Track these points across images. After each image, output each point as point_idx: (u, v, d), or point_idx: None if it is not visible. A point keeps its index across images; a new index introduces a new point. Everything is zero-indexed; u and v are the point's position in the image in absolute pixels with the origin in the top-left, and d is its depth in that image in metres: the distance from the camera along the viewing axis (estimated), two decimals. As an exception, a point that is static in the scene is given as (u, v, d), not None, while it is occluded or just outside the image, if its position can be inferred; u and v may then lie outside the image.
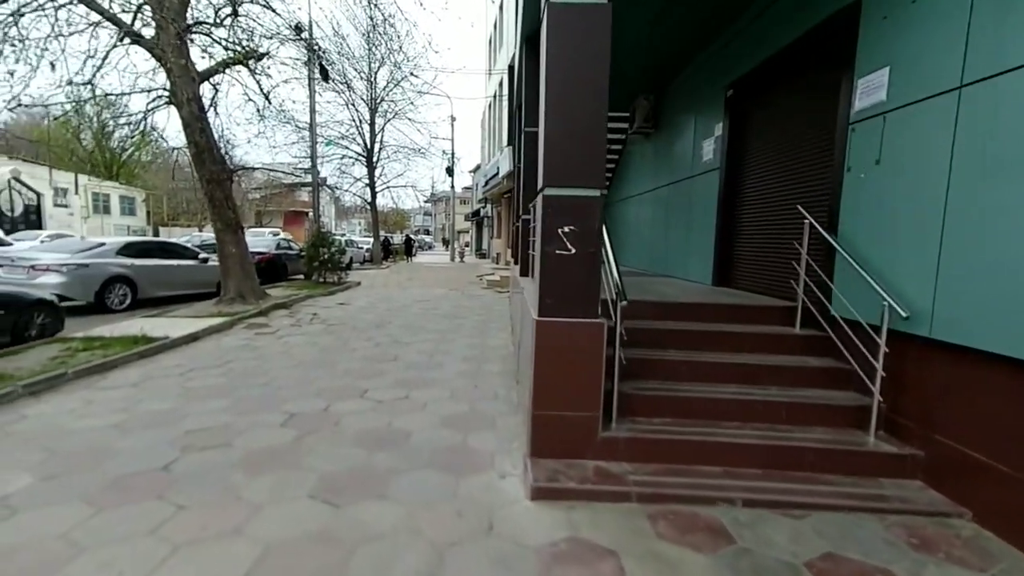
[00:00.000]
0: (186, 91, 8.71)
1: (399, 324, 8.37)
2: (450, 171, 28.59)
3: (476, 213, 37.11)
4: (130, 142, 51.70)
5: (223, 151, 9.39)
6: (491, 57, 25.11)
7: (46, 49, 7.67)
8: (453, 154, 28.49)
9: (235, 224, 9.41)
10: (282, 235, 19.52)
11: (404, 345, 6.90)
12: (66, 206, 31.31)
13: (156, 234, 38.93)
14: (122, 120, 8.69)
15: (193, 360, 5.78)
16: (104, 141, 49.71)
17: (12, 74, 7.64)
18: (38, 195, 29.26)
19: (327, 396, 4.53)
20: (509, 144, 14.73)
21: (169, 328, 6.94)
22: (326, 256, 13.51)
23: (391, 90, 22.39)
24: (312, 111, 14.72)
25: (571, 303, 3.01)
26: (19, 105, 8.05)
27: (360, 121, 22.94)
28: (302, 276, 14.49)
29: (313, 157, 14.95)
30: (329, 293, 12.14)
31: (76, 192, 31.65)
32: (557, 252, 2.99)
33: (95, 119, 48.28)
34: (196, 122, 8.88)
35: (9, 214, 27.18)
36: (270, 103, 10.18)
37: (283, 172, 10.72)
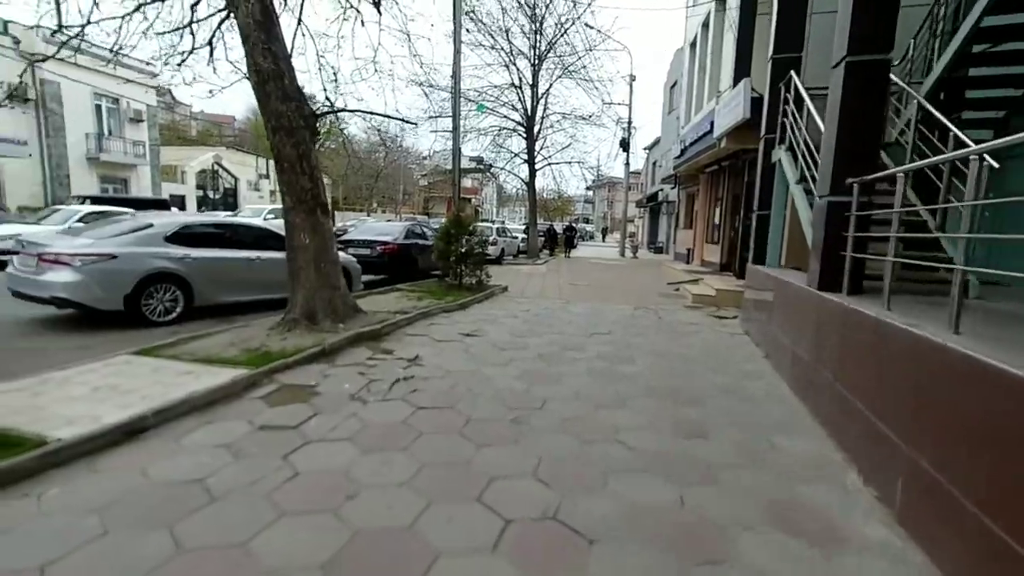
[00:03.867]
0: (244, -22, 5.45)
1: (560, 415, 3.94)
2: (625, 144, 23.39)
3: (652, 198, 31.20)
4: (323, 132, 58.07)
5: (297, 84, 5.99)
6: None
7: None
8: (630, 122, 23.23)
9: (313, 200, 6.00)
10: (420, 219, 16.80)
11: (589, 521, 2.37)
12: (258, 190, 34.34)
13: (332, 219, 41.67)
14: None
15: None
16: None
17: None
18: (235, 180, 32.30)
19: None
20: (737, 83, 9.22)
21: (97, 400, 3.56)
22: (463, 250, 9.83)
23: (558, 38, 18.11)
24: (457, 55, 11.14)
25: None
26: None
27: (521, 80, 19.21)
28: (439, 273, 11.03)
29: (455, 117, 11.43)
30: (460, 306, 8.36)
31: (267, 177, 34.45)
32: None
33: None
34: (258, 33, 5.59)
35: (212, 196, 30.26)
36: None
37: (397, 118, 7.16)
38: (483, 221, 26.85)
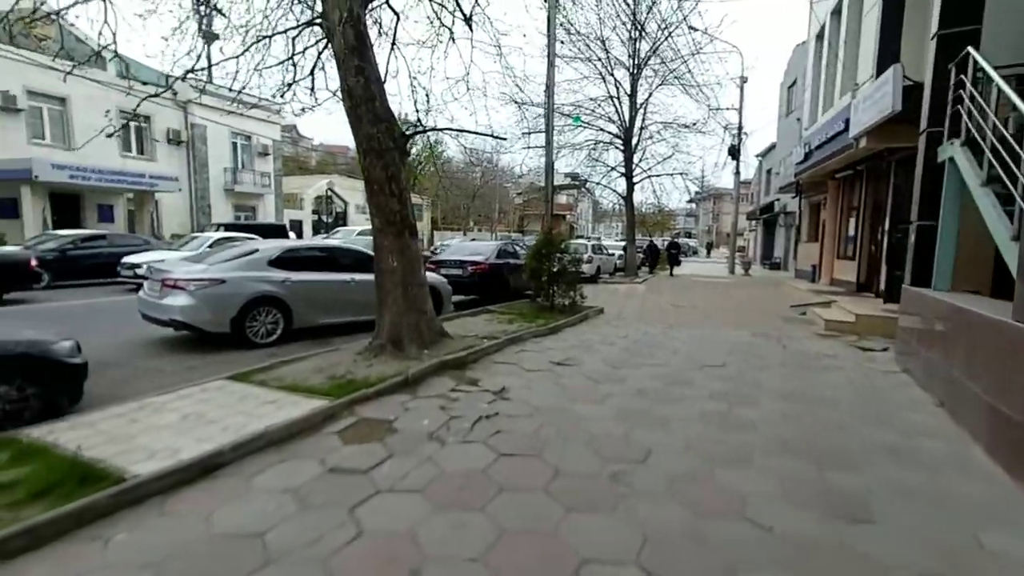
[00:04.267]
0: (340, 7, 5.60)
1: (668, 473, 3.27)
2: (735, 152, 21.60)
3: (767, 209, 28.55)
4: (423, 156, 61.68)
5: (388, 105, 6.01)
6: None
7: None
8: (740, 128, 21.44)
9: (401, 222, 5.94)
10: (515, 236, 16.67)
11: None
12: (364, 212, 36.95)
13: (431, 239, 43.66)
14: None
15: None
16: (405, 157, 60.03)
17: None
18: (345, 204, 35.07)
19: None
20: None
21: (182, 430, 3.57)
22: (556, 269, 9.40)
23: (661, 43, 17.23)
24: (551, 68, 10.89)
25: None
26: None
27: (619, 91, 18.56)
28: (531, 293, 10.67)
29: (548, 131, 11.13)
30: (551, 330, 7.90)
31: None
32: None
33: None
34: (351, 57, 5.70)
35: (325, 219, 33.09)
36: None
37: (486, 134, 6.94)
38: (578, 238, 26.45)
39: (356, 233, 18.73)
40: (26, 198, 17.90)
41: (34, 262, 10.21)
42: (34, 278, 10.42)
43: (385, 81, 7.32)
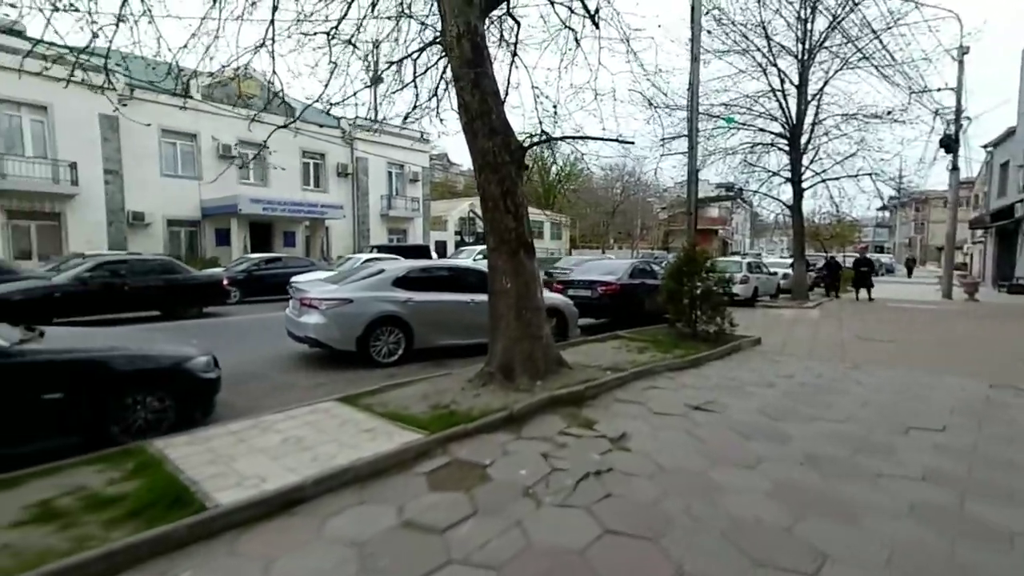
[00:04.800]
0: (456, 23, 5.56)
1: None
2: (950, 142, 17.50)
3: (1004, 213, 22.75)
4: (563, 174, 62.53)
5: (505, 118, 5.76)
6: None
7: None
8: (959, 112, 17.34)
9: (516, 241, 5.60)
10: (659, 254, 15.49)
11: None
12: (504, 233, 38.34)
13: (569, 253, 43.66)
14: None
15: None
16: (544, 175, 61.41)
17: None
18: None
19: None
20: None
21: (277, 455, 3.54)
22: (699, 291, 8.27)
23: (843, 17, 14.74)
24: (695, 63, 9.85)
25: None
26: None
27: (783, 83, 16.35)
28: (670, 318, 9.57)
29: (691, 135, 10.02)
30: (691, 363, 6.86)
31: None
32: None
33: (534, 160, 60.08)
34: (467, 70, 5.61)
35: (467, 240, 35.02)
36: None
37: (611, 139, 6.36)
38: (732, 254, 23.81)
39: (477, 253, 19.21)
40: (234, 228, 21.86)
41: (225, 282, 12.16)
42: (225, 295, 12.41)
43: (507, 94, 7.24)
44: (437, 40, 6.42)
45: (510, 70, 7.01)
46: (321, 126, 24.41)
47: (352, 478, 3.28)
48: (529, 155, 6.04)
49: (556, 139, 6.56)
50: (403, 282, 7.12)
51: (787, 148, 17.15)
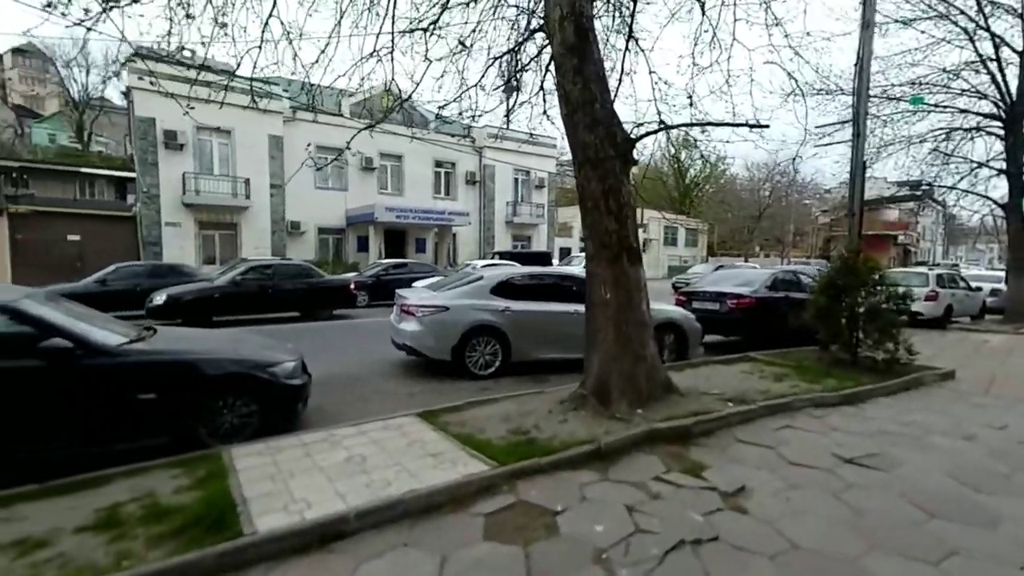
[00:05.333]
0: (559, 3, 5.10)
1: None
2: None
3: None
4: (702, 176, 58.37)
5: (611, 108, 5.11)
6: None
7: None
8: None
9: (618, 245, 4.93)
10: (816, 263, 13.36)
11: None
12: (632, 239, 36.69)
13: (705, 261, 40.34)
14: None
15: None
16: (680, 177, 57.90)
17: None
18: (613, 231, 35.55)
19: None
20: None
21: (334, 476, 3.34)
22: (861, 308, 6.70)
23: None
24: (866, 32, 8.12)
25: None
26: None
27: (997, 50, 13.06)
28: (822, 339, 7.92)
29: (858, 122, 8.23)
30: (845, 398, 5.49)
31: (641, 226, 36.53)
32: None
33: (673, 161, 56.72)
34: (569, 57, 5.10)
35: (593, 248, 34.21)
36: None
37: (739, 124, 5.21)
38: (917, 265, 19.72)
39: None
40: (371, 235, 23.83)
41: (352, 286, 13.08)
42: (353, 299, 13.34)
43: (620, 82, 6.56)
44: (541, 28, 6.00)
45: (624, 56, 6.34)
46: (453, 136, 25.66)
47: (402, 513, 2.96)
48: (641, 150, 5.33)
49: (670, 127, 5.71)
50: (502, 290, 6.80)
51: (1001, 132, 13.71)
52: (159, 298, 10.10)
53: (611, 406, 4.59)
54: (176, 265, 13.71)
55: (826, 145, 11.82)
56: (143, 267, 12.59)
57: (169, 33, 5.11)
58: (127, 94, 21.86)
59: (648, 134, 5.40)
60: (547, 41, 5.81)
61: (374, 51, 6.46)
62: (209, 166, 21.23)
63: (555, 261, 22.47)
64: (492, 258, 21.95)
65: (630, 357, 4.78)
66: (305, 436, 4.02)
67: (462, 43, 7.07)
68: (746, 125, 5.26)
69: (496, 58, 6.56)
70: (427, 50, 6.40)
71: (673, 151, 56.47)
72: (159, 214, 19.86)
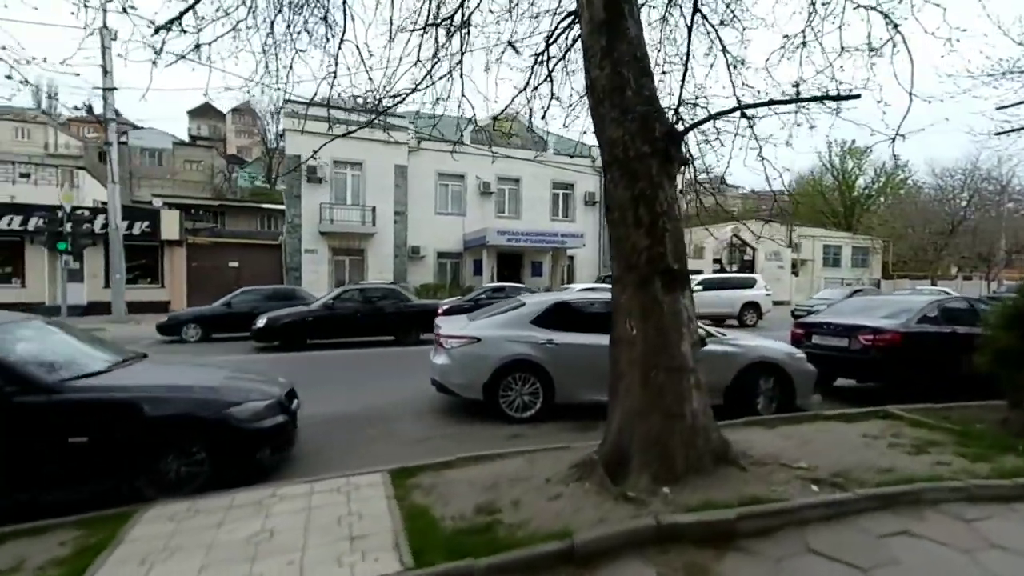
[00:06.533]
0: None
1: None
2: None
3: None
4: (875, 187, 49.99)
5: (649, 93, 4.07)
6: None
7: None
8: None
9: (648, 266, 3.84)
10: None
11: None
12: (778, 259, 32.42)
13: (877, 285, 33.87)
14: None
15: None
16: (847, 191, 50.20)
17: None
18: (753, 250, 31.78)
19: None
20: None
21: (207, 565, 2.82)
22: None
23: None
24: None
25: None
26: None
27: None
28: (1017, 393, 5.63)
29: None
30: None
31: (789, 245, 32.13)
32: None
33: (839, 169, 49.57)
34: (598, 36, 4.23)
35: (728, 268, 30.90)
36: None
37: (828, 99, 3.72)
38: None
39: (696, 284, 16.10)
40: (484, 259, 24.23)
41: (440, 311, 13.07)
42: (440, 323, 13.33)
43: (685, 72, 5.43)
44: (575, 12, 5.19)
45: (689, 37, 5.21)
46: (572, 156, 25.18)
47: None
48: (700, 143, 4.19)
49: (732, 111, 4.33)
50: (546, 319, 5.94)
51: None
52: (260, 321, 11.00)
53: (626, 480, 3.49)
54: (295, 289, 15.06)
55: (1015, 131, 8.83)
56: (264, 291, 13.98)
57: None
58: (281, 136, 25.33)
59: (698, 123, 4.23)
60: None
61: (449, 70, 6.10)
62: (343, 196, 23.43)
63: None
64: (600, 281, 20.76)
65: (659, 414, 3.63)
66: (238, 496, 3.51)
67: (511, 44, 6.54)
68: (827, 98, 3.83)
69: (537, 55, 5.85)
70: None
71: (839, 160, 49.59)
72: (300, 242, 22.35)
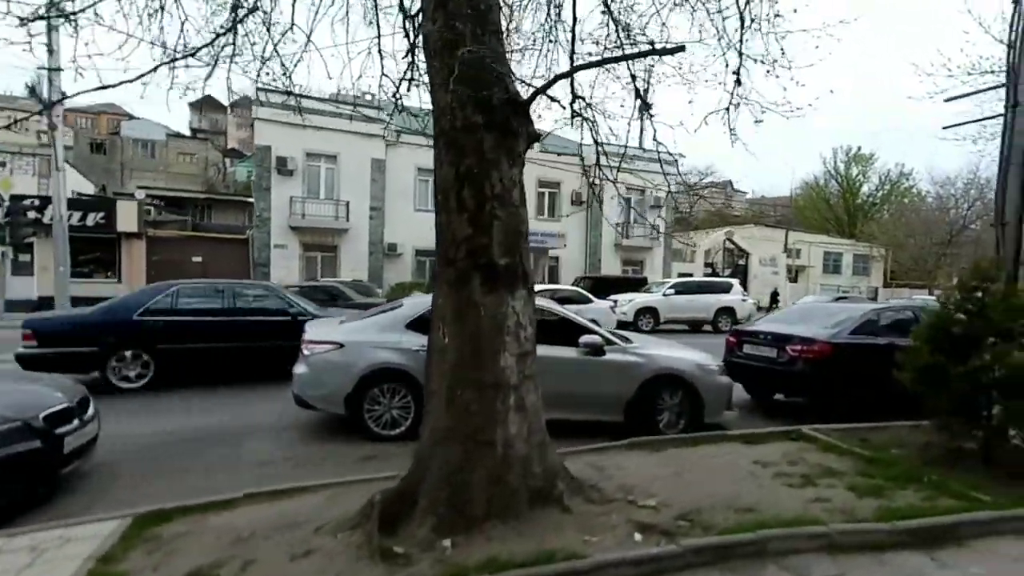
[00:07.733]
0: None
1: None
2: None
3: None
4: (879, 195, 48.87)
5: (490, 52, 3.37)
6: None
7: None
8: None
9: (467, 259, 3.17)
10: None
11: None
12: (771, 264, 31.56)
13: (874, 296, 32.84)
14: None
15: None
16: (851, 198, 49.10)
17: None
18: (747, 255, 30.96)
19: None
20: None
21: None
22: (998, 372, 3.82)
23: None
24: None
25: None
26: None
27: None
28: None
29: (1014, 71, 5.08)
30: (927, 531, 2.91)
31: (784, 251, 31.30)
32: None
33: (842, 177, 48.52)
34: (428, -10, 3.56)
35: (720, 272, 30.08)
36: None
37: (654, 52, 3.03)
38: None
39: (668, 287, 15.40)
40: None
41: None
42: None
43: (573, 41, 4.73)
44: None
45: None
46: (559, 154, 24.45)
47: None
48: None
49: (566, 74, 3.64)
50: (424, 323, 5.25)
51: None
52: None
53: (408, 527, 2.81)
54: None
55: (957, 126, 8.03)
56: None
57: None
58: (251, 126, 24.73)
59: (547, 87, 3.53)
60: None
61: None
62: (316, 190, 22.80)
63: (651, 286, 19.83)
64: (575, 284, 20.09)
65: (461, 441, 2.96)
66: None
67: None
68: (655, 52, 3.17)
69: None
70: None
71: (842, 166, 48.58)
72: (269, 236, 21.77)
